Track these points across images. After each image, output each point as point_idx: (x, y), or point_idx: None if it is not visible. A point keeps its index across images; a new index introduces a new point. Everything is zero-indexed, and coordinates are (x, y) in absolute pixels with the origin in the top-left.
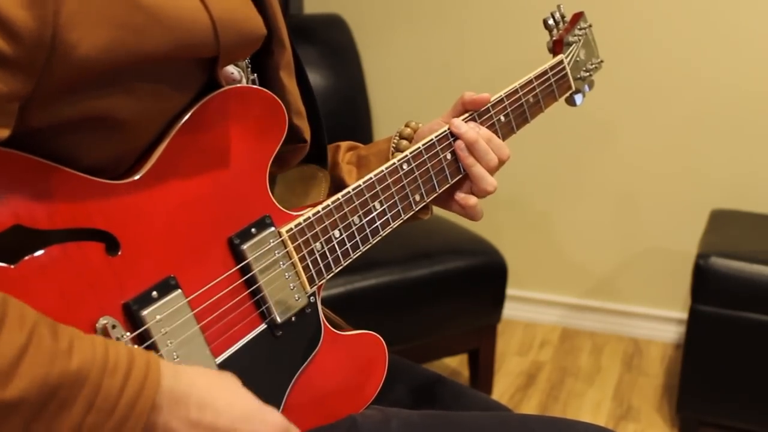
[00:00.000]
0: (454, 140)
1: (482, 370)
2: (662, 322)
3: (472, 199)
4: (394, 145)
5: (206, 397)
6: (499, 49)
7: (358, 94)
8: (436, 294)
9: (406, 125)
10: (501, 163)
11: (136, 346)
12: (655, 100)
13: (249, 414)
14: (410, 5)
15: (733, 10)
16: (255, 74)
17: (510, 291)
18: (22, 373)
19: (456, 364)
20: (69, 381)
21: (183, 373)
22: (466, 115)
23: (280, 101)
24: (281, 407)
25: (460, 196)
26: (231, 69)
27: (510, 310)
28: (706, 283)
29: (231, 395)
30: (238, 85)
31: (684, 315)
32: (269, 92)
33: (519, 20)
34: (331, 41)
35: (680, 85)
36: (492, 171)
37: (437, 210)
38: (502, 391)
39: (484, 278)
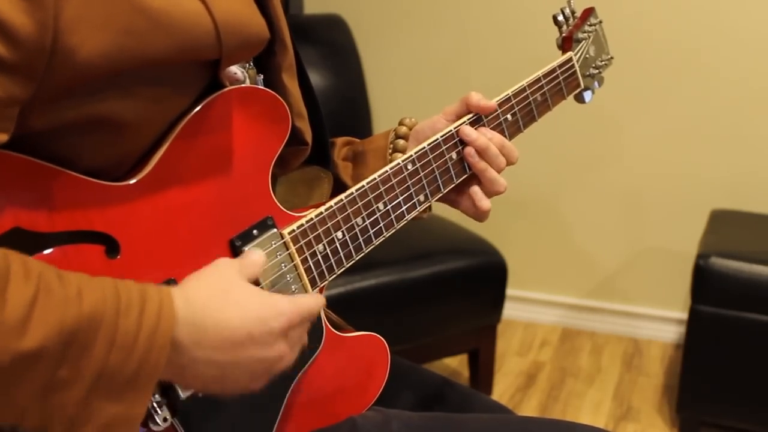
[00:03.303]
0: (461, 142)
1: (482, 370)
2: (662, 322)
3: (488, 203)
4: (391, 146)
5: (220, 315)
6: (499, 49)
7: (358, 94)
8: (436, 294)
9: (401, 123)
10: (509, 165)
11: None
12: (655, 100)
13: (261, 315)
14: (410, 5)
15: (734, 10)
16: (261, 75)
17: (510, 291)
18: (35, 322)
19: (456, 364)
20: (84, 324)
21: (194, 298)
22: (471, 115)
23: (283, 101)
24: (282, 408)
25: (477, 198)
26: (234, 69)
27: (510, 310)
28: (706, 283)
29: (241, 303)
30: (241, 85)
31: (684, 315)
32: (272, 92)
33: (519, 20)
34: (331, 41)
35: (680, 86)
36: (500, 172)
37: (437, 210)
38: (502, 391)
39: (484, 278)
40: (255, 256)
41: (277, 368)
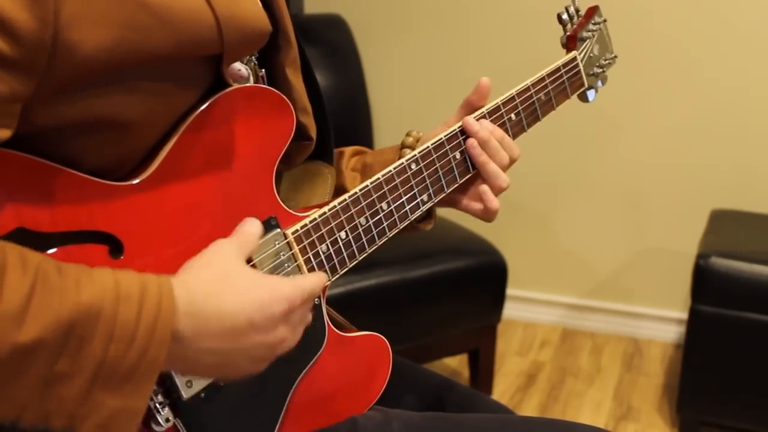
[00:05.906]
0: (464, 139)
1: (482, 370)
2: (662, 322)
3: (496, 203)
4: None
5: (221, 303)
6: (501, 48)
7: (358, 94)
8: (436, 294)
9: (408, 135)
10: (511, 161)
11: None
12: (655, 100)
13: (262, 300)
14: (411, 5)
15: (735, 10)
16: (263, 70)
17: (510, 291)
18: (33, 315)
19: (456, 364)
20: (83, 316)
21: (195, 287)
22: (478, 113)
23: (288, 101)
24: (284, 408)
25: (487, 197)
26: (238, 66)
27: (510, 310)
28: (706, 283)
29: (242, 288)
30: (246, 84)
31: (684, 315)
32: (277, 92)
33: (522, 19)
34: (331, 41)
35: (681, 85)
36: (503, 169)
37: (437, 210)
38: (502, 391)
39: (484, 278)
40: (251, 228)
41: (279, 351)
